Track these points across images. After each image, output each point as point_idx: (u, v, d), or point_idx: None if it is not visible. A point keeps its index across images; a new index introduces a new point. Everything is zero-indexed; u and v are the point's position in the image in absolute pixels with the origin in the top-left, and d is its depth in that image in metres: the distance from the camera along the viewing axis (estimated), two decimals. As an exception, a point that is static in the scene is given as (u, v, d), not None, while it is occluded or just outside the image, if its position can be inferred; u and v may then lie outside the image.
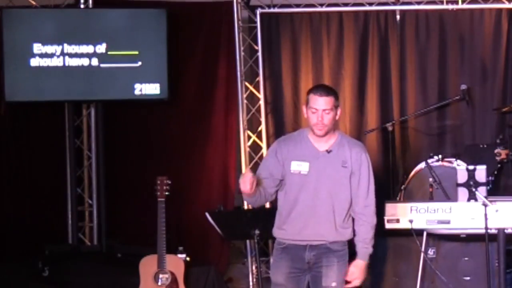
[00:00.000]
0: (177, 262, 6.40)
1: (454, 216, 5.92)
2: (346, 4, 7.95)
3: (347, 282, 4.96)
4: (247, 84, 8.02)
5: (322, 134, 4.91)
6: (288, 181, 4.96)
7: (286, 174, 4.97)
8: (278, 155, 4.99)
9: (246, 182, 4.76)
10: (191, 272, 6.69)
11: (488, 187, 6.52)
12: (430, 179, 6.66)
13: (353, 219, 5.00)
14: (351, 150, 4.96)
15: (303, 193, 4.92)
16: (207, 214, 5.93)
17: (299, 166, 4.92)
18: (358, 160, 4.97)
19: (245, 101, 8.01)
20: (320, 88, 4.97)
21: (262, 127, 7.98)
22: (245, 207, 7.83)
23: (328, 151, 4.94)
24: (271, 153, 5.06)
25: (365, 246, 4.95)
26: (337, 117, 4.95)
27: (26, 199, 7.79)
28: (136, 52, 7.58)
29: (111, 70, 7.56)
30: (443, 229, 6.09)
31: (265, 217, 5.76)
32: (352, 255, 5.05)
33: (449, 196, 6.51)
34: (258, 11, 7.97)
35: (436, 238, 6.39)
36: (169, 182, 6.37)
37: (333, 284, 4.92)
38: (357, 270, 4.94)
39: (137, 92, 7.61)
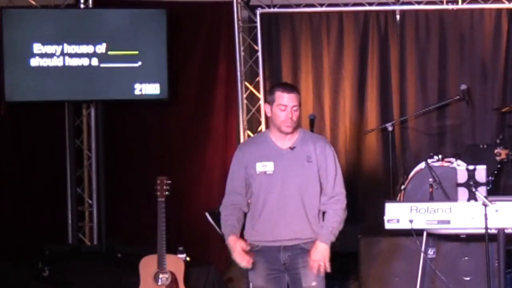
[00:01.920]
0: (177, 262, 6.40)
1: (454, 216, 5.91)
2: (346, 4, 7.96)
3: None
4: (247, 84, 8.03)
5: (290, 131, 4.92)
6: (255, 183, 4.95)
7: (251, 177, 4.97)
8: (241, 160, 5.00)
9: (242, 256, 4.85)
10: (191, 272, 6.69)
11: (488, 187, 6.53)
12: (430, 179, 6.66)
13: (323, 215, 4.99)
14: (315, 145, 4.97)
15: (271, 193, 4.91)
16: (207, 214, 5.94)
17: (264, 167, 4.93)
18: (323, 153, 4.97)
19: (245, 101, 8.01)
20: (286, 85, 5.03)
21: (262, 127, 7.98)
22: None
23: (292, 148, 4.95)
24: (235, 161, 5.06)
25: (328, 231, 4.90)
26: None
27: (26, 199, 7.79)
28: (136, 52, 7.58)
29: (111, 70, 7.55)
30: (443, 229, 6.08)
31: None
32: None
33: (449, 196, 6.51)
34: (258, 11, 7.98)
35: (436, 238, 6.39)
36: (169, 182, 6.36)
37: (314, 283, 4.92)
38: (317, 251, 4.86)
39: (137, 92, 7.61)
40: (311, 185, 4.94)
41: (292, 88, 4.98)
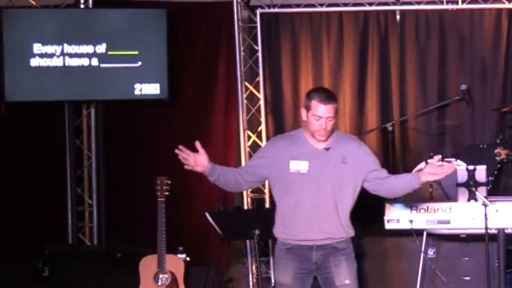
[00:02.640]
0: (177, 262, 6.40)
1: (454, 216, 5.93)
2: (346, 4, 7.95)
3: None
4: (247, 84, 8.02)
5: (324, 139, 4.95)
6: (288, 181, 4.95)
7: (277, 174, 4.98)
8: (270, 153, 5.02)
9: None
10: (191, 272, 6.69)
11: (488, 187, 6.53)
12: (430, 179, 6.65)
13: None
14: (350, 146, 5.00)
15: (305, 192, 4.92)
16: (207, 214, 5.93)
17: (298, 166, 4.93)
18: (360, 153, 5.01)
19: (245, 101, 8.01)
20: (324, 95, 4.93)
21: (262, 127, 7.97)
22: (245, 207, 7.84)
23: (327, 149, 4.96)
24: (263, 150, 5.16)
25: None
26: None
27: (26, 199, 7.79)
28: (136, 52, 7.58)
29: (111, 70, 7.55)
30: (443, 229, 6.09)
31: (265, 217, 5.76)
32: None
33: (449, 196, 6.51)
34: (258, 11, 7.97)
35: (436, 238, 6.39)
36: (169, 182, 6.37)
37: (347, 281, 4.95)
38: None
39: (137, 92, 7.61)
40: (344, 186, 4.95)
41: (329, 99, 4.91)
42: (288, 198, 4.97)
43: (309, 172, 4.92)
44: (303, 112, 4.98)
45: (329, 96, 4.94)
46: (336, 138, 5.00)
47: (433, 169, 4.85)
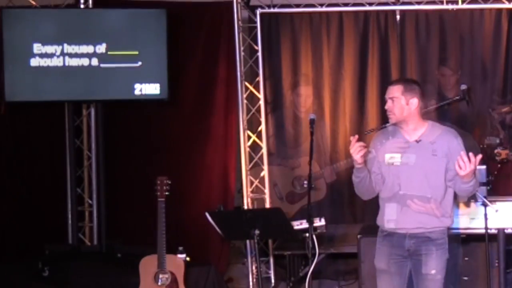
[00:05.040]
0: (177, 262, 6.41)
1: (454, 216, 5.91)
2: (346, 4, 7.94)
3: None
4: (247, 84, 8.01)
5: (392, 121, 5.14)
6: (384, 173, 5.15)
7: (381, 167, 5.16)
8: (373, 150, 5.21)
9: (356, 148, 5.00)
10: (191, 272, 6.69)
11: (488, 187, 6.53)
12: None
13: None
14: (442, 139, 5.10)
15: (397, 184, 5.09)
16: (207, 214, 5.94)
17: (391, 158, 5.12)
18: (450, 148, 5.08)
19: (245, 101, 8.00)
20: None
21: (262, 127, 7.97)
22: (245, 207, 7.83)
23: (418, 141, 5.12)
24: (371, 150, 5.27)
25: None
26: (412, 107, 5.16)
27: (26, 199, 7.79)
28: (136, 52, 7.58)
29: (111, 70, 7.55)
30: (443, 229, 6.07)
31: (265, 217, 5.76)
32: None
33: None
34: (258, 11, 7.96)
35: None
36: (169, 182, 6.38)
37: (433, 271, 5.08)
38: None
39: (137, 92, 7.61)
40: (435, 178, 5.06)
41: (396, 80, 5.36)
42: (385, 189, 5.16)
43: (401, 164, 5.09)
44: None
45: (397, 79, 5.50)
46: (430, 130, 5.16)
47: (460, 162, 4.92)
